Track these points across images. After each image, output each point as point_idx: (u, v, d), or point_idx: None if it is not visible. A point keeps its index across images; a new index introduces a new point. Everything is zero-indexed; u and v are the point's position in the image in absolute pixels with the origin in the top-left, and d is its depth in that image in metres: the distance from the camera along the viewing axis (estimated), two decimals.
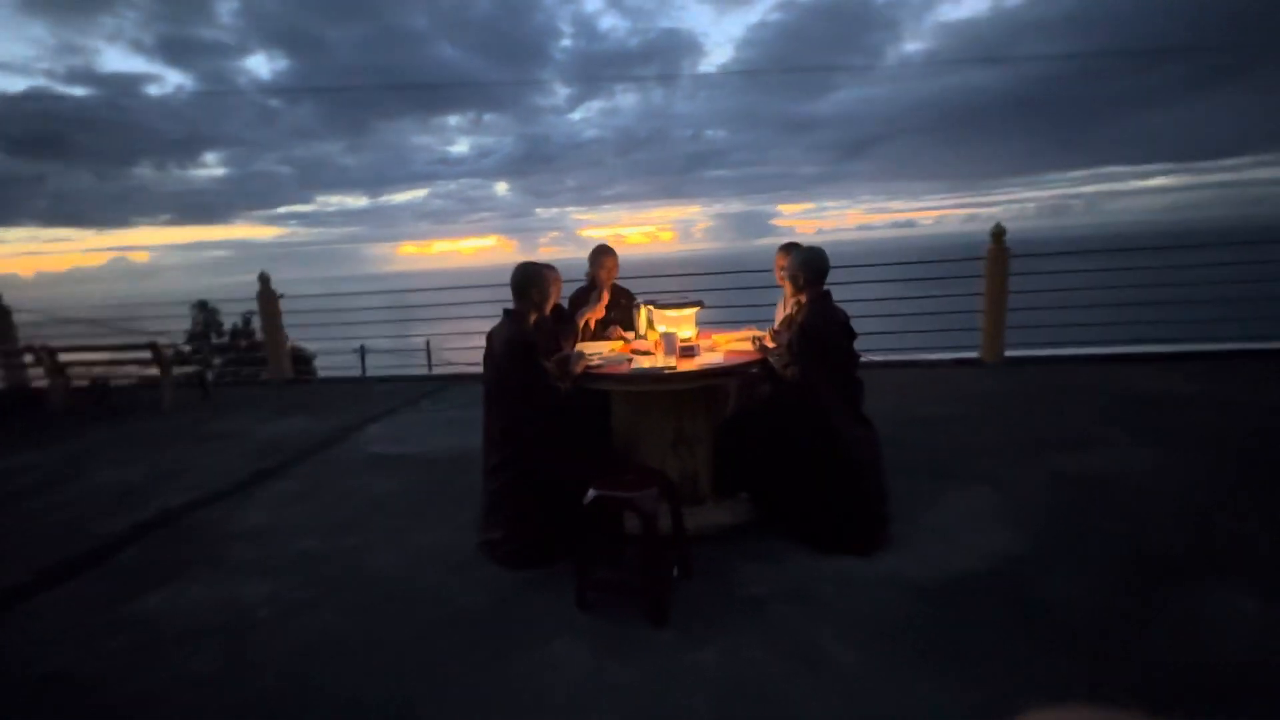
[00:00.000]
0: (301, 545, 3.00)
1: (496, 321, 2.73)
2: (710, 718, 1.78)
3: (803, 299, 2.62)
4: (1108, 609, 2.14)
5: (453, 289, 7.41)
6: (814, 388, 2.50)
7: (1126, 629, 2.04)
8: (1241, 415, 3.93)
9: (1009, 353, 5.70)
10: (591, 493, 2.23)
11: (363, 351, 11.67)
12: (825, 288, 2.61)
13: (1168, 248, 6.29)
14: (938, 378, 5.33)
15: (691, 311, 3.01)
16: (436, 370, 8.63)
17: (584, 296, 3.47)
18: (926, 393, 4.89)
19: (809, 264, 2.57)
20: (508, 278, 2.74)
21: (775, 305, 3.40)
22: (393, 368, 9.29)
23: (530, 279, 2.66)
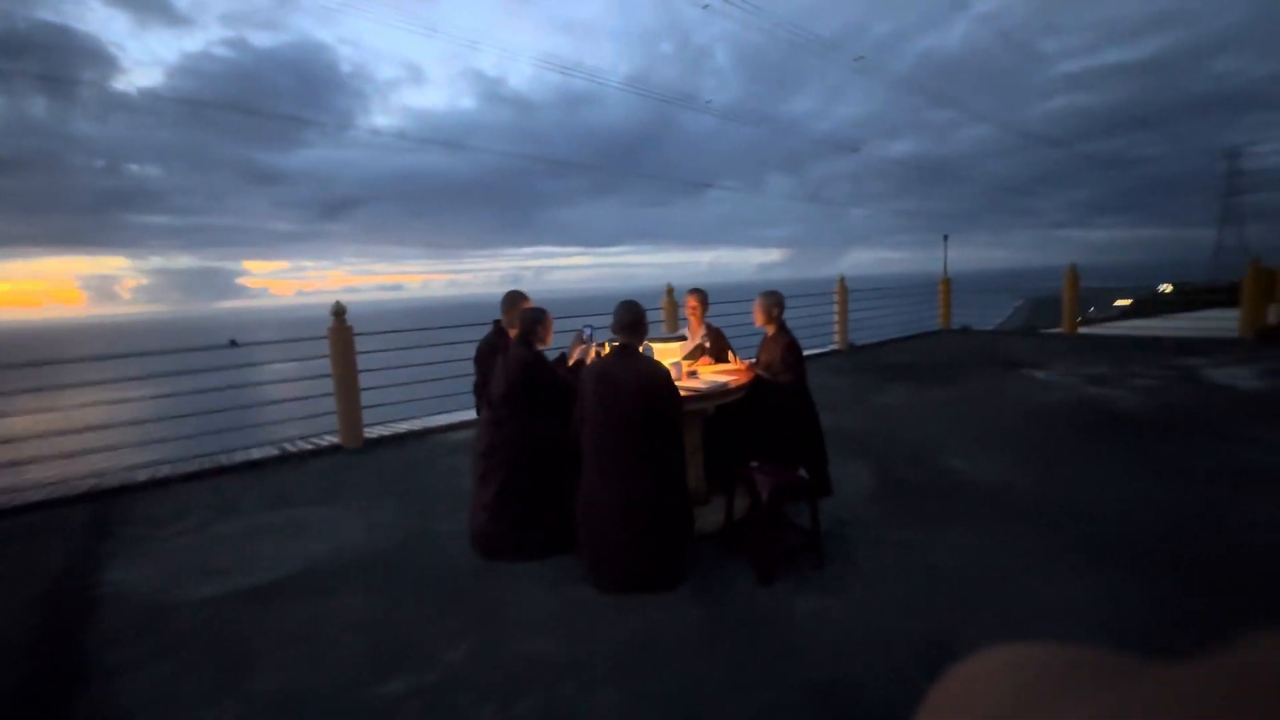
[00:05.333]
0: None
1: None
2: (949, 600, 2.61)
3: (771, 329, 3.68)
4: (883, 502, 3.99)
5: None
6: (804, 383, 3.60)
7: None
8: (843, 394, 6.88)
9: None
10: (770, 483, 2.75)
11: None
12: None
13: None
14: None
15: (678, 344, 3.63)
16: None
17: (491, 346, 3.48)
18: None
19: (779, 303, 3.66)
20: None
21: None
22: None
23: (640, 314, 2.89)
